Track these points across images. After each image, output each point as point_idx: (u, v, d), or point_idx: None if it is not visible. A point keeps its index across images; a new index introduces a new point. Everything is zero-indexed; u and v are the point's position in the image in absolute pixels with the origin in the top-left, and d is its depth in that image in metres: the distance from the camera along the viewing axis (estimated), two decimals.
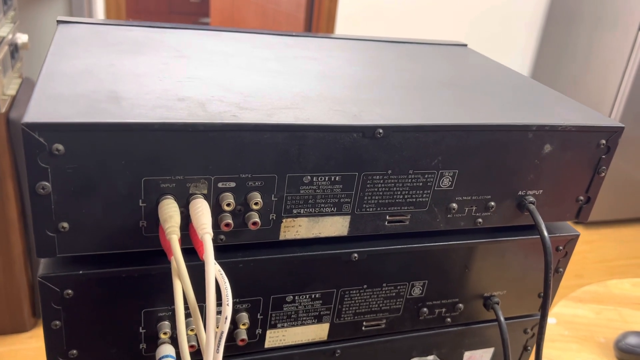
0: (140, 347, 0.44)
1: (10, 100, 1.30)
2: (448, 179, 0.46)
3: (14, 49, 1.39)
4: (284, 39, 0.63)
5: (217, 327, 0.35)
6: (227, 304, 0.35)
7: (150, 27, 0.59)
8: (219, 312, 0.37)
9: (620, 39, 2.10)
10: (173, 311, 0.43)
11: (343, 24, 2.20)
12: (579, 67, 2.29)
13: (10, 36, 1.34)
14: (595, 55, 2.21)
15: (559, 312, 0.88)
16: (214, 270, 0.35)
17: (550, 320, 0.86)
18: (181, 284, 0.36)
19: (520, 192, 0.49)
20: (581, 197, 0.52)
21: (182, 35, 0.58)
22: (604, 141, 0.49)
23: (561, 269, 0.56)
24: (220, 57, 0.53)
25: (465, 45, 0.72)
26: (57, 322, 0.40)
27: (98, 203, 0.37)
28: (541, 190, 0.50)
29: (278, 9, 2.41)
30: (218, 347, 0.35)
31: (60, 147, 0.35)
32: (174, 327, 0.44)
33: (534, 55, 2.53)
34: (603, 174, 0.51)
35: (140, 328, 0.43)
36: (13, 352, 1.42)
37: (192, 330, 0.43)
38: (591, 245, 2.26)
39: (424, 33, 2.29)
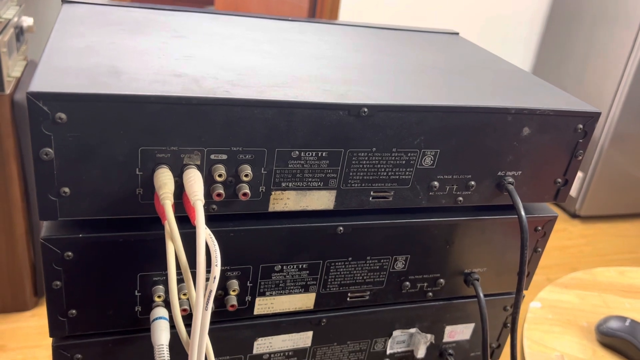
0: (136, 309, 0.47)
1: (15, 82, 1.33)
2: (430, 158, 0.48)
3: (20, 31, 1.41)
4: (279, 23, 0.66)
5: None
6: (216, 265, 0.37)
7: (151, 9, 0.62)
8: (209, 275, 0.39)
9: (621, 36, 2.11)
10: (167, 276, 0.46)
11: (346, 15, 2.21)
12: (579, 63, 2.30)
13: (15, 19, 1.36)
14: (596, 52, 2.22)
15: (545, 297, 0.91)
16: (204, 234, 0.38)
17: (535, 304, 0.89)
18: (174, 247, 0.39)
19: (499, 173, 0.52)
20: (559, 180, 0.54)
21: (181, 17, 0.60)
22: (581, 126, 0.52)
23: (540, 249, 0.58)
24: (217, 38, 0.55)
25: (457, 33, 0.74)
26: (58, 283, 0.43)
27: (97, 170, 0.40)
28: (520, 172, 0.52)
29: None
30: (207, 305, 0.38)
31: (63, 115, 0.37)
32: (167, 291, 0.46)
33: (535, 51, 2.55)
34: (580, 157, 0.53)
35: (136, 291, 0.46)
36: (15, 330, 1.45)
37: (184, 294, 0.45)
38: (587, 239, 2.29)
39: (427, 21, 2.30)
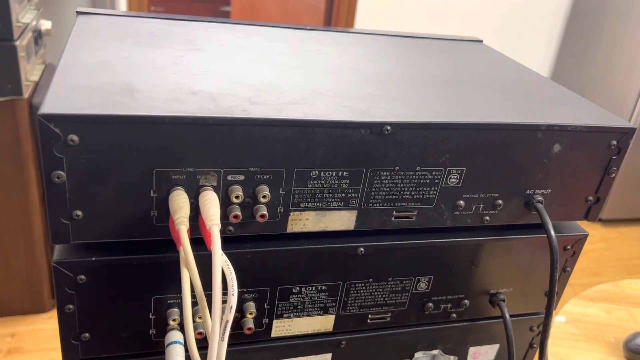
0: (150, 332, 0.45)
1: (34, 86, 1.33)
2: (455, 177, 0.46)
3: (38, 35, 1.41)
4: (297, 32, 0.64)
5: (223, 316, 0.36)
6: (233, 294, 0.36)
7: (167, 19, 0.60)
8: (225, 302, 0.38)
9: None
10: (182, 299, 0.45)
11: (363, 16, 2.19)
12: (600, 65, 2.25)
13: (34, 23, 1.36)
14: (618, 54, 2.17)
15: (569, 311, 0.88)
16: (220, 261, 0.36)
17: (560, 318, 0.86)
18: (189, 274, 0.37)
19: (528, 191, 0.49)
20: (590, 197, 0.52)
21: (197, 28, 0.59)
22: (614, 142, 0.49)
23: (569, 269, 0.56)
24: (234, 50, 0.53)
25: (481, 41, 0.72)
26: (71, 306, 0.42)
27: (111, 192, 0.39)
28: (550, 190, 0.50)
29: None
30: (223, 335, 0.36)
31: (75, 137, 0.36)
32: (182, 314, 0.45)
33: (555, 53, 2.50)
34: (613, 174, 0.51)
35: (150, 314, 0.45)
36: (33, 332, 1.46)
37: (199, 317, 0.44)
38: (609, 243, 2.24)
39: (445, 27, 2.27)
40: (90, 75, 0.42)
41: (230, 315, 0.36)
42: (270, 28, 0.64)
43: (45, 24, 1.48)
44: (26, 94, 1.27)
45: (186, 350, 0.44)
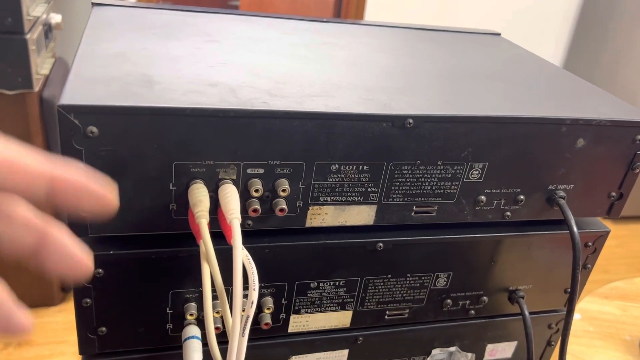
0: (167, 327, 0.45)
1: (44, 80, 1.33)
2: (477, 171, 0.45)
3: (48, 28, 1.41)
4: (313, 24, 0.63)
5: (243, 311, 0.36)
6: (254, 289, 0.35)
7: (182, 10, 0.60)
8: (245, 296, 0.37)
9: None
10: (200, 293, 0.44)
11: (373, 8, 2.18)
12: (614, 57, 2.22)
13: (44, 16, 1.36)
14: (630, 50, 2.14)
15: (584, 308, 0.87)
16: (241, 255, 0.36)
17: (575, 316, 0.85)
18: (209, 268, 0.37)
19: (550, 187, 0.49)
20: (613, 193, 0.51)
21: (213, 20, 0.58)
22: (639, 137, 0.48)
23: (589, 265, 0.55)
24: (251, 42, 0.53)
25: (499, 34, 0.71)
26: (88, 300, 0.42)
27: (129, 185, 0.38)
28: (572, 185, 0.49)
29: None
30: (244, 330, 0.36)
31: (94, 129, 0.35)
32: (200, 308, 0.44)
33: (566, 49, 2.47)
34: (638, 170, 0.50)
35: (168, 309, 0.44)
36: (42, 325, 1.46)
37: (217, 312, 0.43)
38: (620, 240, 2.22)
39: (454, 22, 2.25)
40: (108, 67, 0.41)
41: (252, 311, 0.35)
42: (284, 20, 0.63)
43: (56, 18, 1.47)
44: (37, 88, 1.27)
45: (204, 345, 0.43)
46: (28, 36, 1.21)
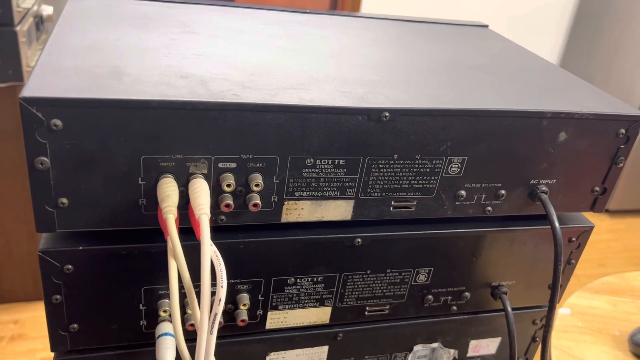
0: (141, 323, 0.44)
1: None
2: (457, 166, 0.45)
3: (39, 20, 1.40)
4: (298, 16, 0.62)
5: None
6: (222, 286, 0.34)
7: (163, 1, 0.59)
8: (214, 293, 0.37)
9: None
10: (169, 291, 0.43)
11: (370, 1, 2.16)
12: (611, 51, 2.21)
13: (35, 8, 1.34)
14: (629, 40, 2.13)
15: (574, 303, 0.86)
16: (209, 252, 0.35)
17: (565, 310, 0.84)
18: (176, 264, 0.36)
19: (532, 181, 0.48)
20: (597, 188, 0.50)
21: (193, 11, 0.57)
22: (623, 130, 0.47)
23: (573, 261, 0.54)
24: (230, 33, 0.52)
25: (487, 26, 0.70)
26: (58, 297, 0.41)
27: (97, 180, 0.37)
28: (555, 180, 0.48)
29: None
30: (212, 328, 0.35)
31: (59, 122, 0.35)
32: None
33: (565, 38, 2.46)
34: (621, 164, 0.49)
35: (141, 305, 0.43)
36: (35, 319, 1.46)
37: (190, 310, 0.43)
38: (616, 234, 2.21)
39: (452, 14, 2.23)
40: (77, 58, 0.40)
41: (219, 308, 0.35)
42: (269, 11, 0.62)
43: (47, 9, 1.46)
44: (27, 80, 1.25)
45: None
46: (18, 28, 1.20)
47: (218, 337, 0.39)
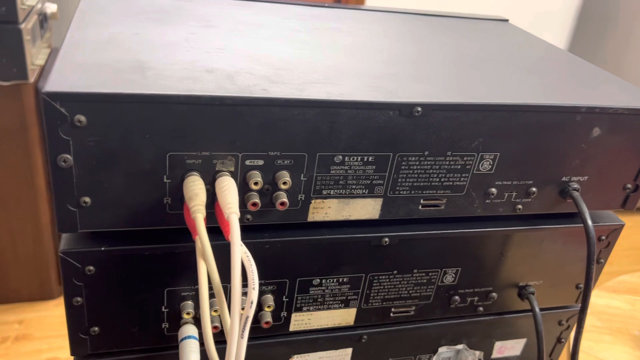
0: (163, 326, 0.43)
1: (39, 71, 1.30)
2: (488, 162, 0.43)
3: (43, 18, 1.38)
4: (314, 9, 0.61)
5: (242, 309, 0.34)
6: (253, 288, 0.33)
7: None
8: (244, 294, 0.35)
9: None
10: (196, 291, 0.42)
11: None
12: (615, 52, 2.19)
13: (39, 5, 1.33)
14: (634, 41, 2.11)
15: (592, 302, 0.85)
16: (239, 252, 0.34)
17: None
18: (205, 265, 0.35)
19: (564, 178, 0.46)
20: (629, 185, 0.49)
21: (210, 4, 0.56)
22: None
23: (602, 260, 0.53)
24: (249, 27, 0.50)
25: (507, 20, 0.68)
26: (79, 299, 0.39)
27: (121, 178, 0.36)
28: (586, 177, 0.47)
29: None
30: (243, 331, 0.34)
31: (83, 118, 0.33)
32: (197, 307, 0.42)
33: (568, 39, 2.44)
34: None
35: (163, 307, 0.42)
36: (41, 319, 1.44)
37: (215, 311, 0.41)
38: (624, 232, 2.20)
39: (456, 4, 2.21)
40: (97, 52, 0.39)
41: (251, 311, 0.33)
42: (286, 5, 0.61)
43: (51, 7, 1.44)
44: (32, 79, 1.24)
45: (202, 345, 0.41)
46: (22, 26, 1.19)
47: None
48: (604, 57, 2.28)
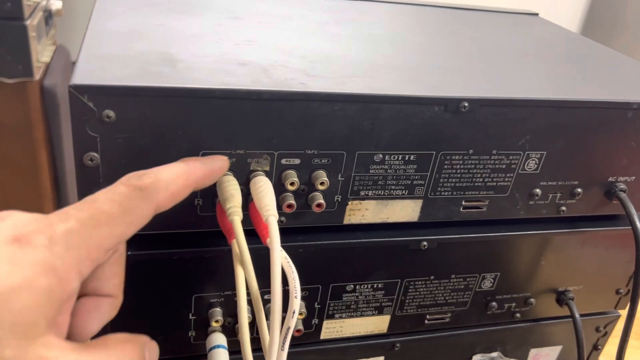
0: (189, 334, 0.40)
1: (45, 68, 1.27)
2: (534, 162, 0.41)
3: (48, 15, 1.36)
4: (341, 2, 0.58)
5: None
6: (295, 297, 0.31)
7: None
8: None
9: None
10: (226, 297, 0.40)
11: None
12: (627, 44, 2.17)
13: (44, 2, 1.30)
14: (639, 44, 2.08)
15: None
16: (280, 258, 0.31)
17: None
18: (243, 272, 0.32)
19: (610, 178, 0.44)
20: None
21: None
22: None
23: None
24: (277, 19, 0.48)
25: (537, 14, 0.66)
26: None
27: None
28: (634, 177, 0.44)
29: None
30: (283, 344, 0.31)
31: (112, 113, 0.31)
32: (226, 314, 0.40)
33: (578, 32, 2.42)
34: None
35: (190, 314, 0.40)
36: None
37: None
38: None
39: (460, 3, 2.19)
40: (123, 44, 0.36)
41: (293, 322, 0.31)
42: None
43: (56, 4, 1.42)
44: (37, 76, 1.21)
45: (231, 354, 0.39)
46: (28, 22, 1.16)
47: None
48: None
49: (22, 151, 1.25)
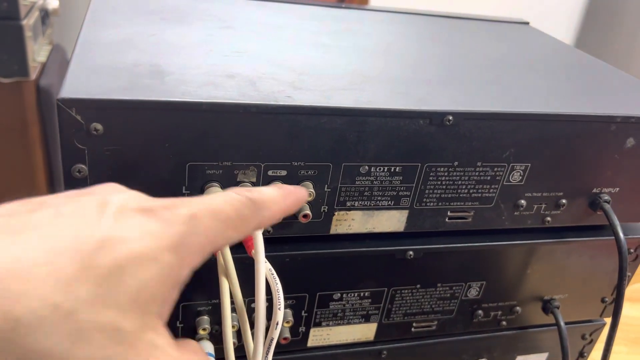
0: None
1: (41, 68, 1.28)
2: (519, 173, 0.41)
3: (45, 14, 1.36)
4: (332, 11, 0.59)
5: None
6: (279, 308, 0.31)
7: None
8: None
9: None
10: (213, 306, 0.40)
11: None
12: (620, 55, 2.18)
13: (40, 1, 1.31)
14: (639, 44, 2.09)
15: None
16: (264, 270, 0.32)
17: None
18: (228, 283, 0.33)
19: (594, 190, 0.44)
20: None
21: (226, 4, 0.54)
22: None
23: (630, 273, 0.51)
24: (268, 29, 0.48)
25: (527, 23, 0.66)
26: None
27: (138, 189, 0.34)
28: (617, 188, 0.45)
29: None
30: (267, 355, 0.32)
31: (99, 126, 0.31)
32: (213, 322, 0.41)
33: (573, 41, 2.42)
34: None
35: (178, 322, 0.40)
36: None
37: (232, 326, 0.39)
38: None
39: (462, 4, 2.20)
40: (113, 55, 0.37)
41: (276, 332, 0.31)
42: (303, 6, 0.59)
43: (52, 3, 1.42)
44: (33, 76, 1.22)
45: None
46: (24, 22, 1.16)
47: None
48: (610, 58, 2.26)
49: (18, 150, 1.25)
